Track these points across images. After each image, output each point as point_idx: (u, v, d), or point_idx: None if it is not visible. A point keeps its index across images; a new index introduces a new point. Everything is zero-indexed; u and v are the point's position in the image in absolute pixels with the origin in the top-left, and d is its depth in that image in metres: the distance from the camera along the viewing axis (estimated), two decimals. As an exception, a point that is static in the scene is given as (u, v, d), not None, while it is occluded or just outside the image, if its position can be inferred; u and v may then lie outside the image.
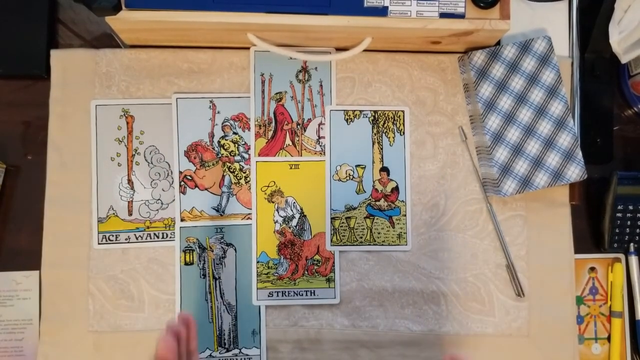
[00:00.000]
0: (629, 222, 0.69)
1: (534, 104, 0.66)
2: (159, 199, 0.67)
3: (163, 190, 0.67)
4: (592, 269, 0.71)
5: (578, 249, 0.70)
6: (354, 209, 0.68)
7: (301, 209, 0.67)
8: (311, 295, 0.66)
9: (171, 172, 0.67)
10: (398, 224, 0.68)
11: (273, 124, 0.68)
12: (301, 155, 0.68)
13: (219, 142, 0.67)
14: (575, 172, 0.66)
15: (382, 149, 0.69)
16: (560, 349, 0.65)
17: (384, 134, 0.69)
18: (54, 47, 0.68)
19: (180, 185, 0.67)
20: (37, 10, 0.67)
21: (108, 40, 0.69)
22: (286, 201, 0.67)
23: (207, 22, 0.59)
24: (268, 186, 0.67)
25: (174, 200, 0.66)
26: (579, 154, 0.66)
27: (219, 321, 0.65)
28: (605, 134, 0.72)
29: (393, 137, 0.69)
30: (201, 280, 0.66)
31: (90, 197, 0.66)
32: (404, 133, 0.69)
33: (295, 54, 0.65)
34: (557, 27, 0.71)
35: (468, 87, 0.69)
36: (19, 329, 0.65)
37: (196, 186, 0.67)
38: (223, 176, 0.67)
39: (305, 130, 0.68)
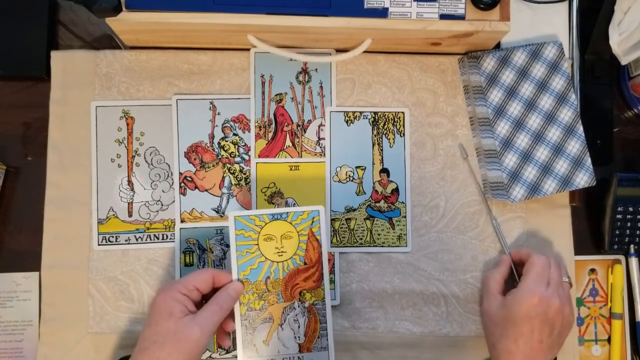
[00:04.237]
0: (629, 224, 0.69)
1: (543, 110, 0.67)
2: (159, 200, 0.67)
3: (163, 192, 0.67)
4: (592, 270, 0.71)
5: (578, 251, 0.70)
6: (354, 210, 0.68)
7: (301, 210, 0.67)
8: (311, 296, 0.66)
9: (171, 173, 0.67)
10: (398, 225, 0.68)
11: (273, 125, 0.68)
12: (301, 157, 0.68)
13: (219, 143, 0.68)
14: (584, 178, 0.66)
15: (382, 150, 0.69)
16: (560, 350, 0.65)
17: (384, 135, 0.69)
18: (54, 48, 0.68)
19: (180, 187, 0.67)
20: (37, 12, 0.67)
21: (108, 42, 0.69)
22: (286, 202, 0.67)
23: (207, 23, 0.59)
24: (268, 187, 0.67)
25: (174, 201, 0.66)
26: (588, 161, 0.66)
27: (218, 322, 0.65)
28: (605, 136, 0.72)
29: (393, 139, 0.69)
30: (201, 282, 0.66)
31: (90, 199, 0.66)
32: (404, 134, 0.69)
33: (295, 55, 0.65)
34: (557, 29, 0.71)
35: (468, 88, 0.69)
36: (19, 330, 0.65)
37: (196, 187, 0.67)
38: (223, 177, 0.67)
39: (305, 132, 0.68)
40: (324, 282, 0.60)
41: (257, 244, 0.59)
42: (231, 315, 0.58)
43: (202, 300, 0.56)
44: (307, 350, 0.59)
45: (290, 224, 0.60)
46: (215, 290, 0.57)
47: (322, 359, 0.60)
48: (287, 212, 0.60)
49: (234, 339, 0.60)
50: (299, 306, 0.60)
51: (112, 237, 0.66)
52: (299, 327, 0.59)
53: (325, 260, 0.60)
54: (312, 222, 0.60)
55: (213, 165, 0.67)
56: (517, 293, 0.59)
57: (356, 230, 0.67)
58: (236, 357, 0.64)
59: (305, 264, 0.60)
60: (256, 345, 0.59)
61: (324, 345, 0.60)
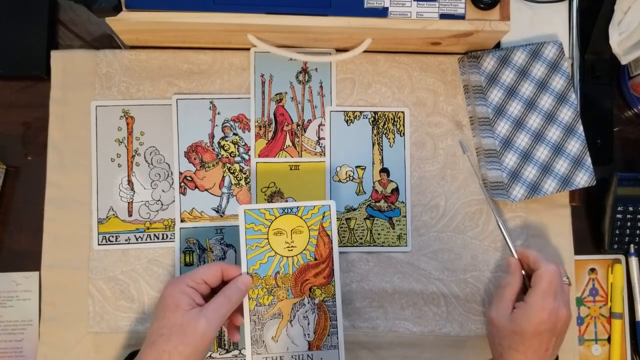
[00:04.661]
0: (629, 224, 0.69)
1: (543, 110, 0.67)
2: (159, 200, 0.67)
3: (163, 191, 0.67)
4: (592, 270, 0.71)
5: (578, 250, 0.70)
6: (354, 210, 0.68)
7: (301, 210, 0.67)
8: (311, 296, 0.66)
9: (171, 173, 0.67)
10: (398, 225, 0.68)
11: (273, 125, 0.68)
12: (301, 156, 0.68)
13: (219, 143, 0.68)
14: (584, 178, 0.66)
15: (382, 150, 0.69)
16: (560, 350, 0.65)
17: (384, 135, 0.69)
18: (54, 48, 0.68)
19: (180, 186, 0.67)
20: (37, 11, 0.67)
21: (108, 41, 0.69)
22: (286, 202, 0.67)
23: (207, 23, 0.59)
24: (268, 187, 0.67)
25: (174, 201, 0.66)
26: (588, 160, 0.66)
27: (218, 322, 0.65)
28: (605, 135, 0.72)
29: (393, 138, 0.69)
30: (201, 281, 0.66)
31: (90, 198, 0.66)
32: (404, 134, 0.69)
33: (295, 55, 0.65)
34: (557, 28, 0.71)
35: (468, 88, 0.69)
36: (19, 329, 0.65)
37: (196, 187, 0.67)
38: (223, 177, 0.67)
39: (305, 131, 0.68)
40: (335, 278, 0.60)
41: (267, 238, 0.59)
42: (240, 310, 0.58)
43: (212, 294, 0.56)
44: (316, 348, 0.59)
45: (301, 218, 0.59)
46: (225, 284, 0.57)
47: (332, 357, 0.59)
48: (298, 207, 0.59)
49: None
50: (308, 302, 0.59)
51: (112, 236, 0.66)
52: (308, 324, 0.59)
53: (336, 256, 0.60)
54: (323, 216, 0.59)
55: (213, 165, 0.67)
56: (527, 309, 0.58)
57: (356, 230, 0.67)
58: (236, 356, 0.65)
59: (315, 259, 0.60)
60: (265, 342, 0.58)
61: (334, 343, 0.59)
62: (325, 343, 0.59)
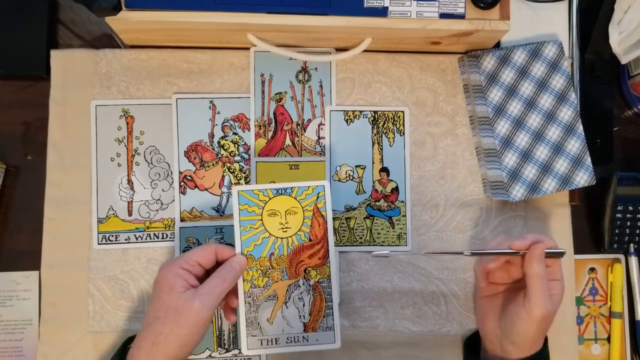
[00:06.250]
0: (628, 223, 0.69)
1: (543, 109, 0.66)
2: (158, 199, 0.67)
3: (163, 191, 0.67)
4: (592, 269, 0.71)
5: (578, 250, 0.70)
6: (354, 209, 0.68)
7: (301, 209, 0.67)
8: (311, 295, 0.66)
9: (171, 172, 0.67)
10: (398, 224, 0.68)
11: (273, 124, 0.68)
12: (301, 156, 0.68)
13: (218, 142, 0.68)
14: (584, 178, 0.66)
15: (382, 149, 0.69)
16: (559, 349, 0.65)
17: (383, 135, 0.69)
18: (54, 47, 0.68)
19: (180, 186, 0.67)
20: (37, 11, 0.67)
21: (108, 41, 0.69)
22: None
23: (207, 22, 0.59)
24: (268, 186, 0.67)
25: (173, 200, 0.66)
26: (588, 160, 0.66)
27: (218, 321, 0.65)
28: (605, 135, 0.72)
29: (393, 138, 0.69)
30: (201, 281, 0.66)
31: (90, 198, 0.66)
32: (403, 133, 0.69)
33: (295, 55, 0.65)
34: (557, 28, 0.71)
35: (468, 87, 0.69)
36: (19, 329, 0.65)
37: (196, 186, 0.67)
38: (223, 176, 0.67)
39: (305, 131, 0.68)
40: (330, 259, 0.59)
41: (261, 220, 0.59)
42: (236, 291, 0.58)
43: (207, 276, 0.56)
44: (312, 329, 0.59)
45: (295, 199, 0.59)
46: (219, 265, 0.56)
47: (327, 339, 0.59)
48: (292, 187, 0.59)
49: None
50: (304, 284, 0.59)
51: (112, 236, 0.66)
52: (303, 305, 0.59)
53: (331, 237, 0.59)
54: (317, 197, 0.59)
55: (213, 164, 0.67)
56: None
57: (356, 230, 0.67)
58: (236, 356, 0.65)
59: (310, 240, 0.59)
60: (260, 324, 0.58)
61: (329, 324, 0.59)
62: (320, 324, 0.59)
